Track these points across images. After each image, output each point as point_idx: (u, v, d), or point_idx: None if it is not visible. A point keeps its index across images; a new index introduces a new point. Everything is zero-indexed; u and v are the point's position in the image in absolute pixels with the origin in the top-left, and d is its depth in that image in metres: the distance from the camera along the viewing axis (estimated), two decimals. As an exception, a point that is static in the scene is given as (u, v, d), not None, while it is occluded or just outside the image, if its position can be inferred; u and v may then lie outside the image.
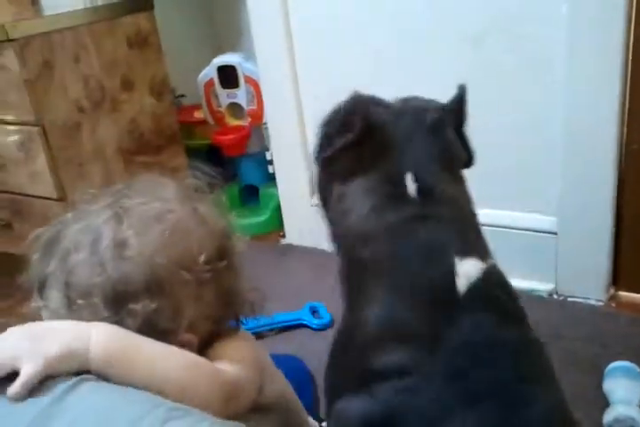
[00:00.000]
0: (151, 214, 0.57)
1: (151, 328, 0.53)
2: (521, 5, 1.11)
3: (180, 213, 0.58)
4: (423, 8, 1.18)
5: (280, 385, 0.68)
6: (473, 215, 0.69)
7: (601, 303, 1.21)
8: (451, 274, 0.60)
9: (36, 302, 0.56)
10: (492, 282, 0.62)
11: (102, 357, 0.49)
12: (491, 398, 0.54)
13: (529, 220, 1.24)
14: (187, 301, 0.56)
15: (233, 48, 1.64)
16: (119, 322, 0.52)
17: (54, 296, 0.55)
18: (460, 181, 0.70)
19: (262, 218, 1.63)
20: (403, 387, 0.56)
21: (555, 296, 1.24)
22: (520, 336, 0.60)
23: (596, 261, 1.19)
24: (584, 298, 1.21)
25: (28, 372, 0.46)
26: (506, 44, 1.14)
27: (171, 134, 1.55)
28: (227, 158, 1.65)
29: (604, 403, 0.93)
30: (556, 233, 1.22)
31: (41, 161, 1.29)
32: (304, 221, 1.53)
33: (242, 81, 1.56)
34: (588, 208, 1.17)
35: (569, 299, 1.23)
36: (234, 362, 0.57)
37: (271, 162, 1.56)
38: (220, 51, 1.63)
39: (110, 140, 1.40)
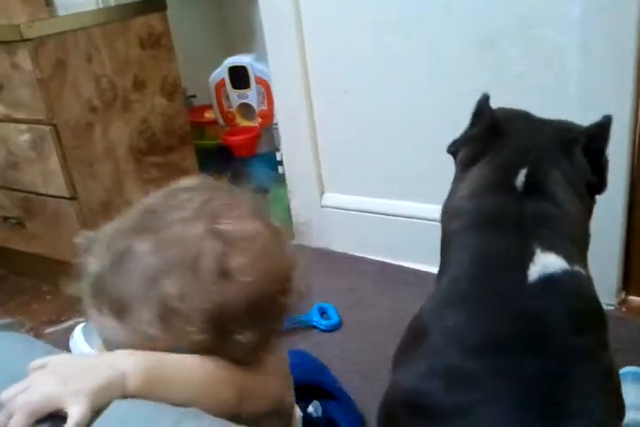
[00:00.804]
0: (246, 235, 0.53)
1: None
2: (534, 8, 1.10)
3: (265, 233, 0.56)
4: (437, 11, 1.18)
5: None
6: (575, 225, 0.70)
7: (611, 308, 1.20)
8: (525, 259, 0.61)
9: (100, 317, 0.53)
10: (570, 284, 0.62)
11: (139, 382, 0.48)
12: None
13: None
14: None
15: (244, 49, 1.64)
16: (218, 348, 0.52)
17: (142, 317, 0.51)
18: (581, 199, 0.72)
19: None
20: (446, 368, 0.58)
21: (564, 300, 1.23)
22: (576, 346, 0.58)
23: (607, 265, 1.19)
24: (594, 302, 1.20)
25: (77, 412, 0.45)
26: (519, 48, 1.13)
27: (182, 135, 1.55)
28: (237, 159, 1.66)
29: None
30: (566, 237, 1.21)
31: (53, 160, 1.30)
32: (313, 221, 1.53)
33: (253, 82, 1.56)
34: (598, 212, 1.16)
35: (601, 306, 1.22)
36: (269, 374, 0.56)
37: (281, 163, 1.56)
38: (232, 52, 1.64)
39: (121, 139, 1.41)
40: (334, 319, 1.22)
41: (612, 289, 1.20)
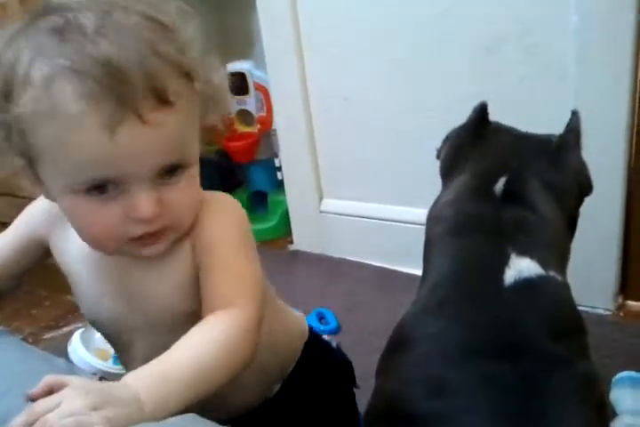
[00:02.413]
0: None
1: None
2: (533, 15, 1.11)
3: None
4: (436, 18, 1.19)
5: None
6: (553, 231, 0.71)
7: (609, 313, 1.20)
8: (500, 263, 0.62)
9: None
10: (544, 289, 0.63)
11: (153, 405, 0.47)
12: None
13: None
14: None
15: (243, 55, 1.65)
16: None
17: None
18: (562, 206, 0.73)
19: (270, 224, 1.63)
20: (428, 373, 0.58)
21: (562, 305, 1.24)
22: (551, 352, 0.58)
23: (604, 270, 1.19)
24: (592, 307, 1.21)
25: None
26: (518, 54, 1.14)
27: (180, 140, 1.55)
28: (235, 165, 1.66)
29: (611, 413, 0.92)
30: (564, 242, 1.22)
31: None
32: (312, 227, 1.53)
33: (251, 88, 1.57)
34: (596, 217, 1.17)
35: (578, 311, 1.22)
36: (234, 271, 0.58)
37: (280, 168, 1.56)
38: (231, 58, 1.64)
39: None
40: (332, 324, 1.22)
41: (610, 294, 1.20)
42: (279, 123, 1.50)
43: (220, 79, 0.59)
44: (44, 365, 0.55)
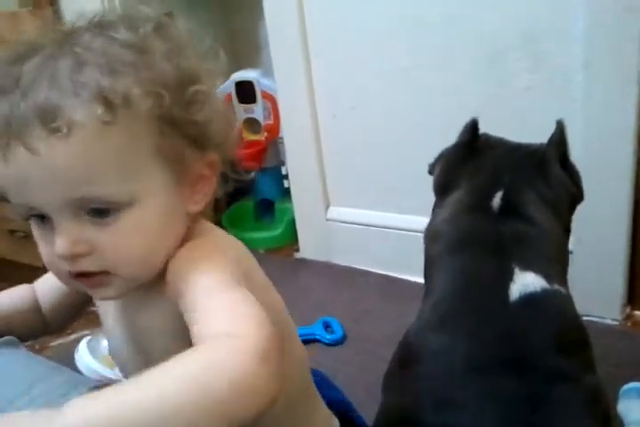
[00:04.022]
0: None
1: None
2: (538, 23, 1.11)
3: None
4: (442, 26, 1.19)
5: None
6: (554, 244, 0.71)
7: (616, 323, 1.19)
8: (504, 279, 0.62)
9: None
10: (550, 303, 0.63)
11: None
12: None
13: (544, 237, 1.24)
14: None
15: (251, 64, 1.66)
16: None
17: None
18: (558, 217, 0.73)
19: (277, 232, 1.63)
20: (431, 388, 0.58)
21: (569, 315, 1.23)
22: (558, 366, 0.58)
23: (612, 280, 1.18)
24: (599, 317, 1.20)
25: None
26: (524, 62, 1.14)
27: (188, 148, 1.56)
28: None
29: (619, 424, 0.92)
30: (571, 252, 1.21)
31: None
32: (318, 235, 1.53)
33: (259, 96, 1.58)
34: (603, 227, 1.16)
35: (584, 318, 1.20)
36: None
37: (286, 177, 1.57)
38: (238, 67, 1.65)
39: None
40: (338, 333, 1.22)
41: (617, 304, 1.20)
42: (286, 131, 1.50)
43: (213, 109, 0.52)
44: (50, 373, 0.55)
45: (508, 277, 0.62)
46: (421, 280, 1.37)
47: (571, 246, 1.20)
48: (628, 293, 1.20)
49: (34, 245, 0.52)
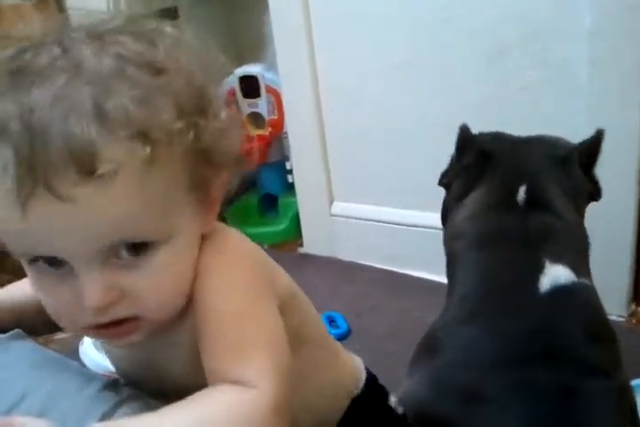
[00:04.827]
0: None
1: None
2: (543, 20, 1.11)
3: None
4: (445, 23, 1.19)
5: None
6: (579, 237, 0.71)
7: (622, 319, 1.19)
8: (535, 271, 0.62)
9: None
10: (579, 296, 0.63)
11: None
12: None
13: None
14: None
15: (255, 59, 1.65)
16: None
17: None
18: (579, 210, 0.74)
19: (280, 227, 1.63)
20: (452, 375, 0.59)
21: (574, 311, 1.23)
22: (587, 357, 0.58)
23: (618, 276, 1.18)
24: (605, 313, 1.20)
25: None
26: (528, 59, 1.13)
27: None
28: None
29: None
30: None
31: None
32: (322, 230, 1.53)
33: (263, 91, 1.57)
34: (609, 224, 1.16)
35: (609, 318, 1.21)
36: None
37: (291, 171, 1.56)
38: (242, 61, 1.65)
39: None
40: (343, 328, 1.21)
41: (623, 301, 1.19)
42: (290, 126, 1.50)
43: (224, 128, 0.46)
44: (61, 368, 0.54)
45: (538, 270, 0.62)
46: (426, 276, 1.37)
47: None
48: (634, 290, 1.19)
49: None
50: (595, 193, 0.77)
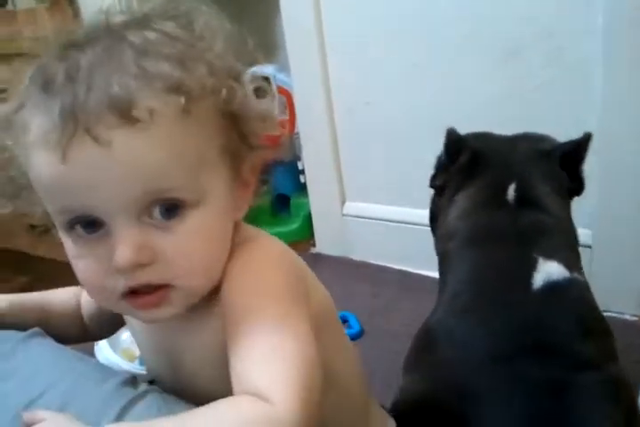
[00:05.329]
0: None
1: None
2: (557, 18, 1.10)
3: None
4: (459, 22, 1.19)
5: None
6: (569, 233, 0.72)
7: (635, 318, 1.19)
8: (528, 268, 0.62)
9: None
10: (572, 291, 0.63)
11: None
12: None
13: (562, 232, 1.23)
14: None
15: (267, 60, 1.65)
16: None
17: None
18: (567, 205, 0.75)
19: (293, 227, 1.64)
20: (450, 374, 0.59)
21: (588, 310, 1.22)
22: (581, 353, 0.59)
23: (632, 275, 1.17)
24: (618, 313, 1.19)
25: None
26: (542, 57, 1.13)
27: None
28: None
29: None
30: (590, 247, 1.20)
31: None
32: (334, 230, 1.53)
33: (275, 92, 1.58)
34: (623, 222, 1.15)
35: (603, 313, 1.21)
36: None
37: (302, 172, 1.57)
38: (254, 62, 1.65)
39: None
40: (355, 328, 1.22)
41: (636, 299, 1.19)
42: (302, 126, 1.50)
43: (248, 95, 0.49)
44: (80, 364, 0.55)
45: (531, 266, 0.63)
46: (438, 275, 1.37)
47: (590, 242, 1.20)
48: (648, 288, 1.19)
49: (54, 240, 0.50)
50: (579, 189, 0.78)
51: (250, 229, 0.53)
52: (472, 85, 1.21)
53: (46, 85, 0.43)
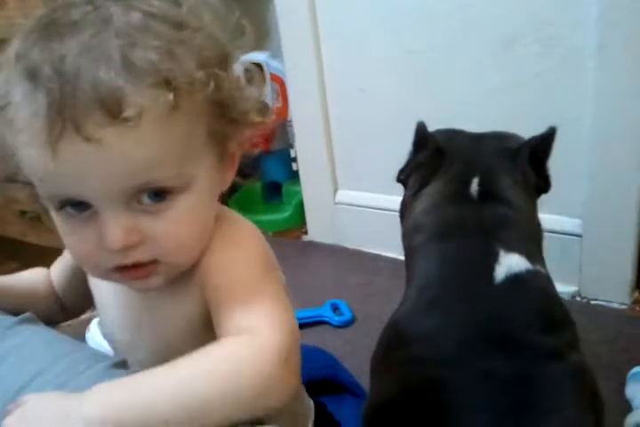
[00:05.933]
0: None
1: None
2: (551, 7, 1.10)
3: None
4: (453, 10, 1.18)
5: None
6: (532, 226, 0.72)
7: (624, 307, 1.20)
8: (489, 260, 0.63)
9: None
10: (533, 283, 0.64)
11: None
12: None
13: (554, 222, 1.23)
14: None
15: (259, 46, 1.64)
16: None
17: None
18: (531, 200, 0.75)
19: (285, 215, 1.64)
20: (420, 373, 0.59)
21: (578, 299, 1.23)
22: (543, 344, 0.59)
23: (621, 264, 1.18)
24: (607, 301, 1.20)
25: None
26: (536, 47, 1.13)
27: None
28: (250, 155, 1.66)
29: (626, 408, 0.92)
30: (580, 235, 1.21)
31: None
32: (327, 218, 1.54)
33: (268, 79, 1.57)
34: (613, 211, 1.16)
35: (592, 302, 1.22)
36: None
37: (295, 159, 1.57)
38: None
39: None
40: (347, 315, 1.22)
41: (626, 288, 1.20)
42: (295, 114, 1.50)
43: (237, 84, 0.50)
44: (72, 348, 0.55)
45: (493, 259, 0.63)
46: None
47: (580, 231, 1.21)
48: (637, 277, 1.20)
49: (44, 226, 0.51)
50: (545, 186, 0.78)
51: (220, 206, 0.55)
52: (466, 73, 1.21)
53: (31, 78, 0.42)
